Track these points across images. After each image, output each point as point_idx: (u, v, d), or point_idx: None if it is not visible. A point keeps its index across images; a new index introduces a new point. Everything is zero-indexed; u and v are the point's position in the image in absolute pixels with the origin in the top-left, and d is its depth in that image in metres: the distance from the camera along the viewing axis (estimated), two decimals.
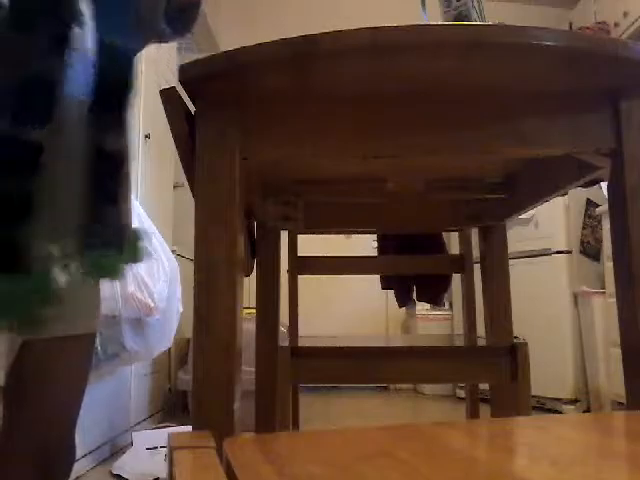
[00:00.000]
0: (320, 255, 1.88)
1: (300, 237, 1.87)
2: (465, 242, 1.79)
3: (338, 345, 1.22)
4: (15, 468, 0.87)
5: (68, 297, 0.87)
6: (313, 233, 1.97)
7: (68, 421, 0.94)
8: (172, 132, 0.80)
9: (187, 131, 0.79)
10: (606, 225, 2.77)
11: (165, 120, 0.79)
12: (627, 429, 0.50)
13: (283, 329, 1.87)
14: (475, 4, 1.00)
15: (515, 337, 1.57)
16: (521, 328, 2.25)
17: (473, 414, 1.76)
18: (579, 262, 3.06)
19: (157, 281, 1.92)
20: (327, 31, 0.68)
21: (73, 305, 0.89)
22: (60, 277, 0.80)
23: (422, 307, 3.76)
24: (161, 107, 0.78)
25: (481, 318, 1.58)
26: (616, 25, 3.45)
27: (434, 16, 1.11)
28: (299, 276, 1.90)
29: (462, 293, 1.83)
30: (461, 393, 3.40)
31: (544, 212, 3.01)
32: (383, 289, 2.21)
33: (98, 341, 0.97)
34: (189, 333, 2.81)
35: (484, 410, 1.78)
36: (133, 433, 2.24)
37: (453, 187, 1.33)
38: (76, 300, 0.89)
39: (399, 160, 1.08)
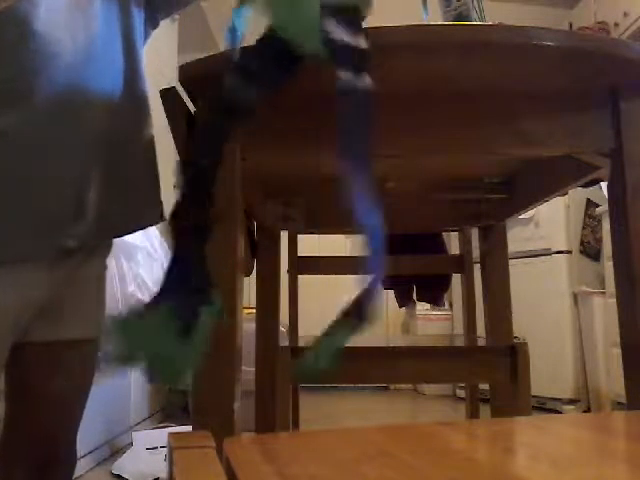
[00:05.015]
0: (320, 255, 1.88)
1: (300, 237, 1.87)
2: (465, 242, 1.79)
3: None
4: (16, 474, 0.85)
5: (72, 300, 0.86)
6: (313, 233, 1.98)
7: (70, 427, 0.91)
8: (172, 132, 0.80)
9: (187, 131, 0.79)
10: (606, 225, 2.77)
11: (165, 120, 0.79)
12: (627, 429, 0.50)
13: (283, 329, 1.87)
14: (475, 4, 1.01)
15: (515, 337, 1.57)
16: (521, 328, 2.25)
17: (473, 414, 1.76)
18: (579, 262, 3.06)
19: (157, 281, 1.92)
20: None
21: (77, 308, 0.87)
22: None
23: (422, 307, 3.75)
24: (161, 107, 0.78)
25: (481, 318, 1.58)
26: (616, 25, 3.45)
27: (434, 16, 1.11)
28: (299, 276, 1.90)
29: (462, 293, 1.83)
30: (461, 393, 3.40)
31: (544, 212, 3.01)
32: (383, 289, 2.21)
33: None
34: None
35: (484, 410, 1.78)
36: (133, 433, 2.23)
37: (453, 187, 1.34)
38: (80, 303, 0.87)
39: (399, 160, 1.08)
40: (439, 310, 3.78)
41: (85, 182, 0.81)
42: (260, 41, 0.62)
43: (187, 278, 0.60)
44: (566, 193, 3.01)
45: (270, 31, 0.61)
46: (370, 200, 0.56)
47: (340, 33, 0.60)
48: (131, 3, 0.89)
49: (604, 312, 2.78)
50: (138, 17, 0.91)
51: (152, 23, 0.97)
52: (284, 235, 1.64)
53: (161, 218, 0.95)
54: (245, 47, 0.63)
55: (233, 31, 0.65)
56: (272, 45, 0.61)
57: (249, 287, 1.66)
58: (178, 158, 0.88)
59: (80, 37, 0.81)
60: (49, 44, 0.77)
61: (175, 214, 0.63)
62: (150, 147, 0.93)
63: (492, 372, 1.16)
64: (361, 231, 0.56)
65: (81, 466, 1.85)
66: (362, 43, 0.60)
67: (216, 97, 0.63)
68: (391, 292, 2.18)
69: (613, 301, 0.81)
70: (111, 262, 1.57)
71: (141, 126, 0.91)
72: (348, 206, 0.56)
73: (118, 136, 0.86)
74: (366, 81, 0.59)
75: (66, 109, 0.79)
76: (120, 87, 0.86)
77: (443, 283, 2.11)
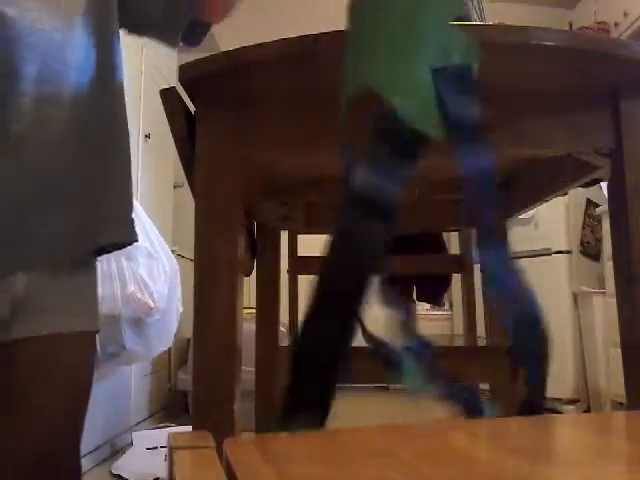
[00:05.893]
0: (320, 255, 1.87)
1: (300, 237, 1.87)
2: (465, 242, 1.79)
3: None
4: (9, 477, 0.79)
5: (59, 290, 0.82)
6: (313, 233, 1.98)
7: (70, 432, 0.84)
8: (172, 132, 0.80)
9: (187, 131, 0.79)
10: (606, 225, 2.77)
11: (165, 120, 0.79)
12: (627, 429, 0.50)
13: (283, 329, 1.87)
14: (475, 4, 1.01)
15: None
16: None
17: None
18: (579, 262, 3.06)
19: (157, 281, 1.92)
20: (327, 31, 0.68)
21: (66, 299, 0.82)
22: None
23: (422, 307, 3.76)
24: (161, 107, 0.78)
25: (481, 318, 1.58)
26: (616, 25, 3.45)
27: None
28: (299, 276, 1.90)
29: (462, 293, 1.83)
30: None
31: (544, 212, 3.01)
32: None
33: (97, 341, 0.90)
34: (189, 333, 2.81)
35: None
36: (133, 433, 2.24)
37: (453, 187, 1.33)
38: (68, 294, 0.83)
39: None
40: (439, 310, 3.78)
41: (42, 195, 0.78)
42: (379, 130, 0.55)
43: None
44: (566, 193, 3.01)
45: (385, 114, 0.53)
46: (515, 284, 0.54)
47: (458, 105, 0.53)
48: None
49: (604, 312, 2.78)
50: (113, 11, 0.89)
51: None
52: (284, 235, 1.64)
53: (133, 239, 0.90)
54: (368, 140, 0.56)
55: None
56: (392, 131, 0.54)
57: (249, 287, 1.66)
58: (179, 158, 0.88)
59: (57, 38, 0.80)
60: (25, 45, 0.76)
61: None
62: (124, 155, 0.90)
63: (492, 372, 1.16)
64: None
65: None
66: (477, 111, 0.54)
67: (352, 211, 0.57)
68: None
69: (613, 301, 0.81)
70: (111, 262, 1.56)
71: (114, 129, 0.88)
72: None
73: (85, 141, 0.82)
74: (488, 153, 0.54)
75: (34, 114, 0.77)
76: (92, 82, 0.83)
77: (443, 283, 2.11)
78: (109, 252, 0.92)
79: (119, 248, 0.92)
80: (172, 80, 2.68)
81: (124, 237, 0.90)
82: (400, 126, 0.53)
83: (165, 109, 0.78)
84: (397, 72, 0.54)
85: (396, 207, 0.56)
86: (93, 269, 0.90)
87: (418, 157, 0.56)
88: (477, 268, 1.61)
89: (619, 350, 0.78)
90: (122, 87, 0.90)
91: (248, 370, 1.06)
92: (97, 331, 0.88)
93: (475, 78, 0.54)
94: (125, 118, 0.91)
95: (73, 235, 0.81)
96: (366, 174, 0.55)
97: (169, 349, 2.57)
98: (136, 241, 0.91)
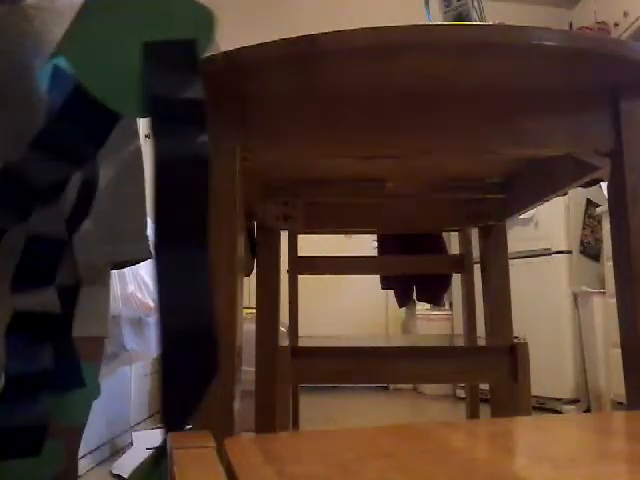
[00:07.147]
0: (320, 255, 1.88)
1: (300, 237, 1.87)
2: (465, 242, 1.79)
3: (338, 345, 1.22)
4: None
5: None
6: (313, 233, 1.98)
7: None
8: None
9: None
10: (606, 225, 2.77)
11: None
12: (627, 429, 0.50)
13: (283, 329, 1.87)
14: (475, 4, 1.01)
15: (515, 337, 1.57)
16: (521, 328, 2.25)
17: (473, 414, 1.76)
18: (579, 262, 3.06)
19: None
20: (328, 31, 0.68)
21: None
22: None
23: (422, 307, 3.75)
24: None
25: (481, 318, 1.58)
26: (616, 25, 3.46)
27: (434, 16, 1.12)
28: (299, 276, 1.90)
29: (462, 293, 1.83)
30: (461, 393, 3.40)
31: (544, 212, 3.01)
32: (383, 289, 2.22)
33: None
34: None
35: (484, 410, 1.78)
36: (133, 433, 2.24)
37: (453, 187, 1.33)
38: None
39: (399, 160, 1.08)
40: (439, 310, 3.78)
41: None
42: (66, 104, 0.50)
43: None
44: (566, 193, 3.01)
45: (79, 89, 0.49)
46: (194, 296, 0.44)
47: (165, 84, 0.48)
48: None
49: (604, 312, 2.78)
50: None
51: None
52: (284, 235, 1.64)
53: (148, 255, 0.89)
54: (52, 114, 0.52)
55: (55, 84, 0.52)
56: (81, 107, 0.49)
57: (249, 287, 1.66)
58: None
59: None
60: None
61: None
62: (139, 169, 0.88)
63: (492, 372, 1.16)
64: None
65: (81, 466, 1.85)
66: (196, 92, 0.49)
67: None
68: (391, 292, 2.18)
69: (613, 301, 0.81)
70: None
71: (130, 141, 0.86)
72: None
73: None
74: (200, 144, 0.47)
75: None
76: None
77: (443, 283, 2.11)
78: (123, 267, 0.93)
79: (133, 264, 0.93)
80: None
81: (139, 254, 0.90)
82: (90, 100, 0.48)
83: None
84: (99, 42, 0.49)
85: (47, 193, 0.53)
86: (108, 277, 0.90)
87: (107, 134, 0.52)
88: (477, 268, 1.61)
89: (619, 350, 0.78)
90: None
91: (248, 370, 1.06)
92: (106, 337, 0.90)
93: (201, 55, 0.49)
94: (138, 132, 0.91)
95: (89, 251, 0.80)
96: (33, 154, 0.52)
97: None
98: (151, 258, 0.91)
